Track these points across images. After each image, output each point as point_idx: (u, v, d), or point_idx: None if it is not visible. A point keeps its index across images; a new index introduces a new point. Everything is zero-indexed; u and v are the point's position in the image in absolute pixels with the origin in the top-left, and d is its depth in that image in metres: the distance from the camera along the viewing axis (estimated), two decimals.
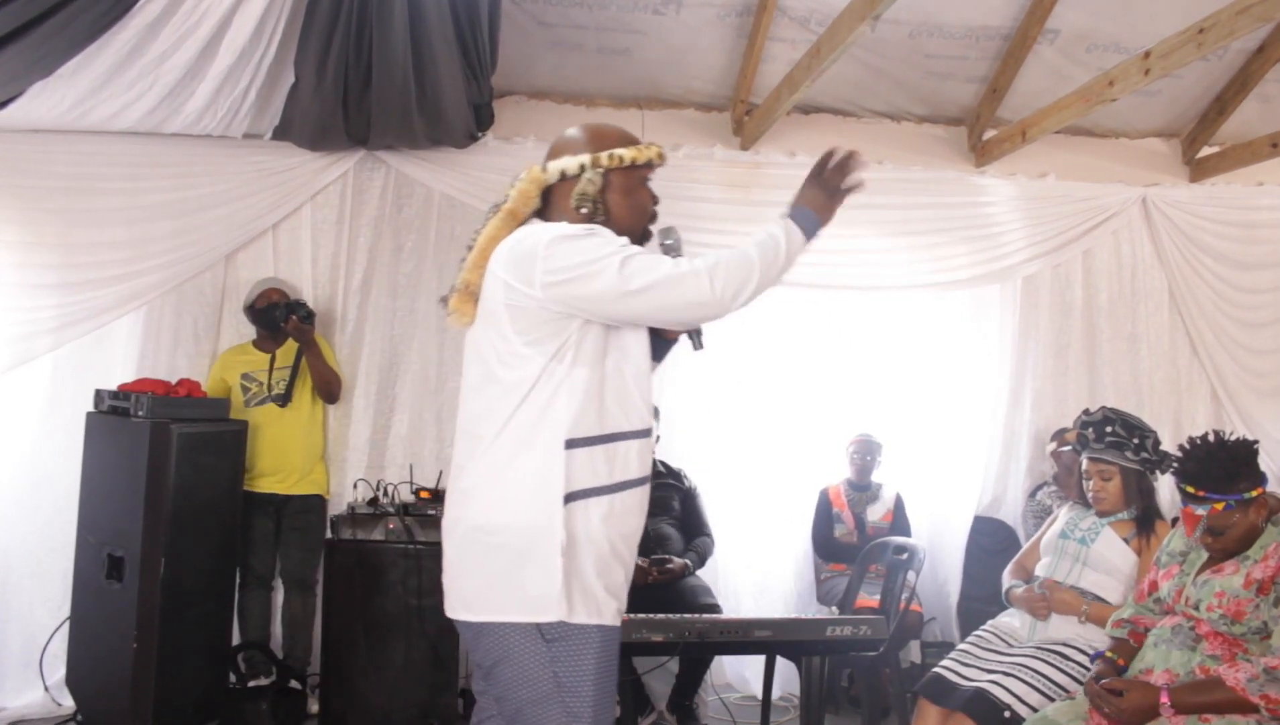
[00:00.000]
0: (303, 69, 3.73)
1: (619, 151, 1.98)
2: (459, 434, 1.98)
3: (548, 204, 2.02)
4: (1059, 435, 4.57)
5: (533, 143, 4.59)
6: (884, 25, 3.92)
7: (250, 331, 4.33)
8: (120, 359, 4.30)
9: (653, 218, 2.05)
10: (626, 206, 1.99)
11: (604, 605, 1.84)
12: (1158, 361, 5.00)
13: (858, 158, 2.01)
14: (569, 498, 1.82)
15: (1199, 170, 5.16)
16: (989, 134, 4.93)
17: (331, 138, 4.23)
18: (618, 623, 1.87)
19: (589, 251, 1.82)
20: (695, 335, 2.05)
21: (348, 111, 3.99)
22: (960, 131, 5.05)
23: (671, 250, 2.02)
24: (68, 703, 3.90)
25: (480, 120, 4.27)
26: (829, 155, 2.00)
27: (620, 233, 1.91)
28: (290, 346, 4.20)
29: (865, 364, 4.83)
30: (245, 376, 4.20)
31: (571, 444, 1.83)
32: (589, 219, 1.94)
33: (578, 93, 4.74)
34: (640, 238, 2.02)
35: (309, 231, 4.49)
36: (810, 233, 1.94)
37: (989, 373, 4.91)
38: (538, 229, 1.90)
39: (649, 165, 2.02)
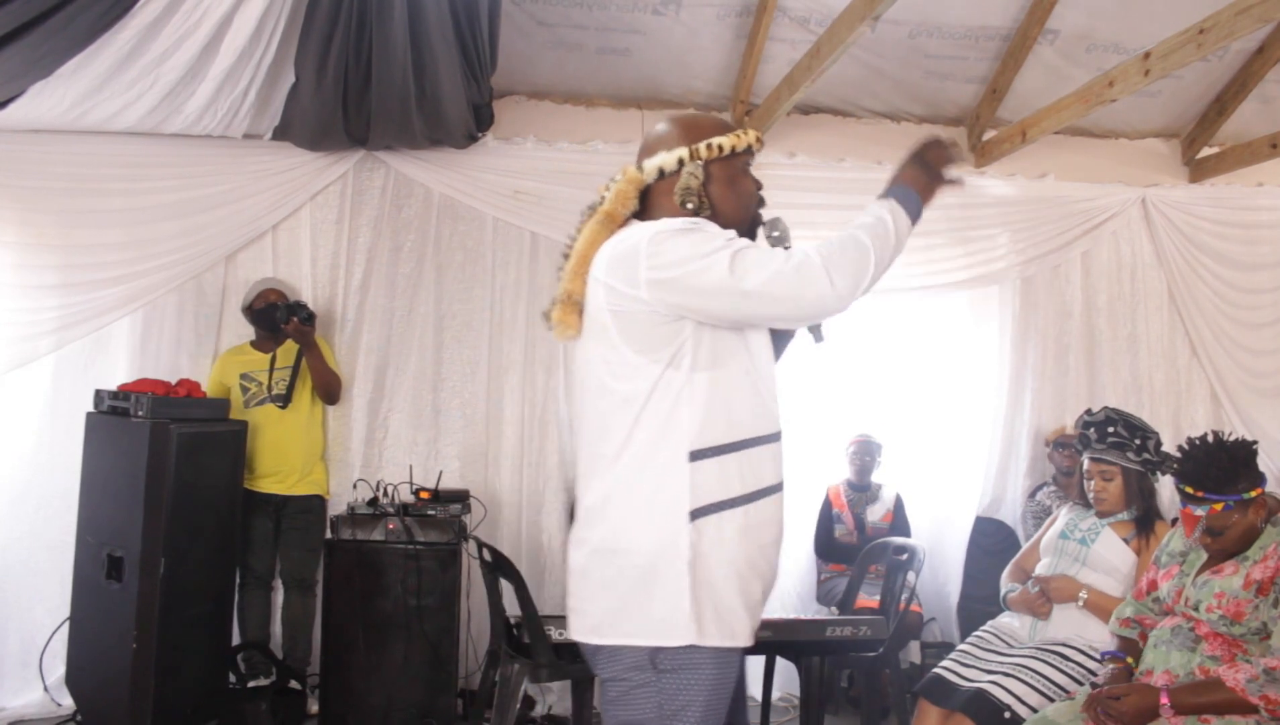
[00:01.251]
0: (303, 69, 3.73)
1: (717, 141, 1.85)
2: (580, 452, 1.88)
3: (647, 204, 1.88)
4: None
5: (532, 143, 4.60)
6: (884, 25, 3.92)
7: (249, 332, 4.33)
8: (121, 359, 4.30)
9: (759, 204, 1.95)
10: (732, 197, 1.87)
11: (739, 626, 1.72)
12: (1157, 362, 5.00)
13: (958, 149, 1.90)
14: (698, 513, 1.70)
15: (1199, 171, 5.16)
16: (989, 134, 4.93)
17: (331, 138, 4.23)
18: (750, 642, 1.75)
19: (695, 246, 1.70)
20: (815, 327, 1.93)
21: (347, 111, 3.99)
22: (960, 132, 5.05)
23: (779, 242, 1.93)
24: (67, 702, 3.90)
25: (480, 120, 4.28)
26: (931, 139, 1.89)
27: (727, 226, 1.81)
28: (289, 347, 4.20)
29: (865, 365, 4.83)
30: (244, 377, 4.20)
31: (697, 456, 1.71)
32: (695, 215, 1.81)
33: (577, 93, 4.74)
34: (749, 229, 1.92)
35: (309, 232, 4.49)
36: (914, 214, 1.82)
37: (989, 373, 4.91)
38: (638, 227, 1.79)
39: (748, 151, 1.89)
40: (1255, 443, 2.56)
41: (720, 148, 1.85)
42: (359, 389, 4.45)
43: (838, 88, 4.72)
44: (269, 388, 4.18)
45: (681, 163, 1.84)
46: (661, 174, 1.85)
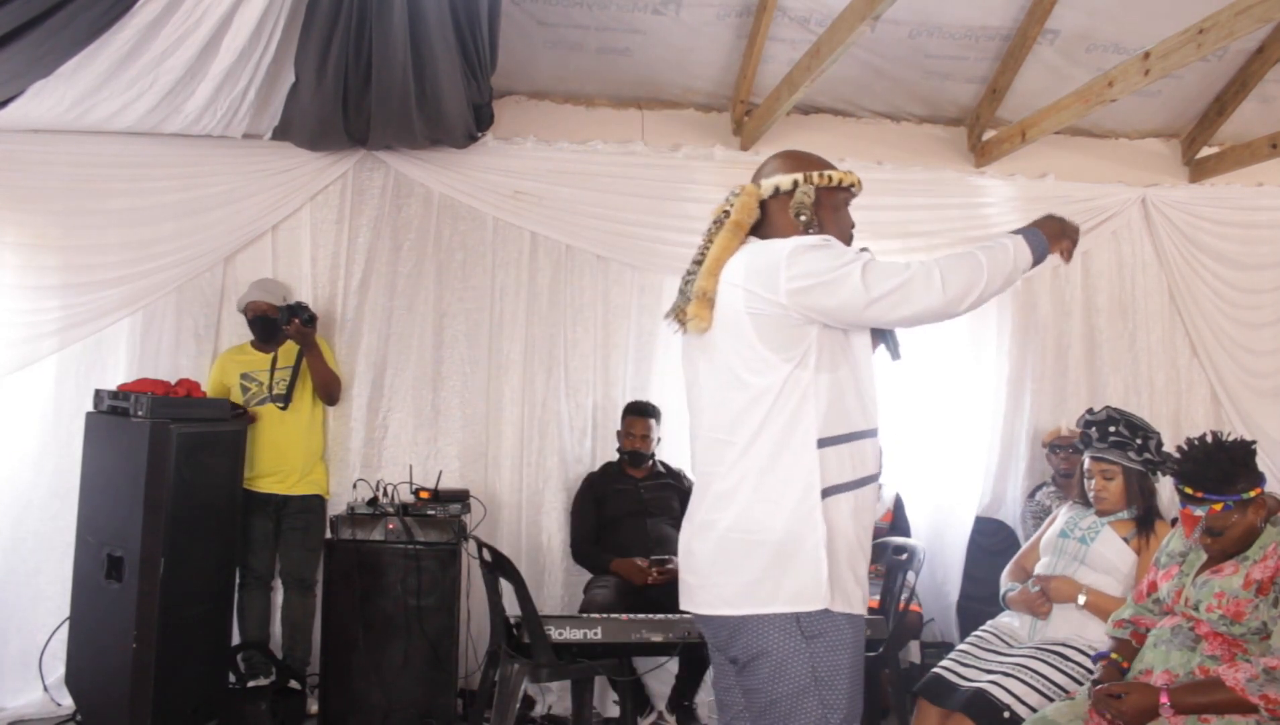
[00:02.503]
0: (303, 69, 3.73)
1: (828, 171, 2.12)
2: (702, 442, 2.09)
3: (763, 219, 2.13)
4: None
5: (532, 143, 4.59)
6: (884, 25, 3.92)
7: (248, 332, 4.32)
8: (121, 360, 4.30)
9: (850, 241, 2.17)
10: (834, 222, 2.12)
11: (853, 595, 1.95)
12: (1157, 362, 5.00)
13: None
14: (827, 492, 1.93)
15: (1198, 171, 5.16)
16: (989, 134, 4.93)
17: (331, 138, 4.23)
18: (865, 612, 1.99)
19: (830, 260, 1.94)
20: (894, 347, 2.19)
21: (347, 111, 3.99)
22: (960, 132, 5.05)
23: None
24: (67, 703, 3.90)
25: (480, 120, 4.27)
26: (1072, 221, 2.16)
27: None
28: (290, 347, 4.20)
29: None
30: (244, 376, 4.20)
31: (823, 443, 1.94)
32: (805, 228, 2.07)
33: (577, 93, 4.74)
34: None
35: (308, 232, 4.48)
36: (1038, 254, 2.04)
37: (989, 373, 4.91)
38: (774, 243, 2.01)
39: (850, 189, 2.16)
40: (1254, 443, 2.56)
41: (830, 178, 2.12)
42: (359, 389, 4.45)
43: (838, 88, 4.72)
44: (269, 388, 4.18)
45: (796, 184, 2.09)
46: (777, 191, 2.10)
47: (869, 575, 4.04)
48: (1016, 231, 2.06)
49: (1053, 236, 2.09)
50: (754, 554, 1.93)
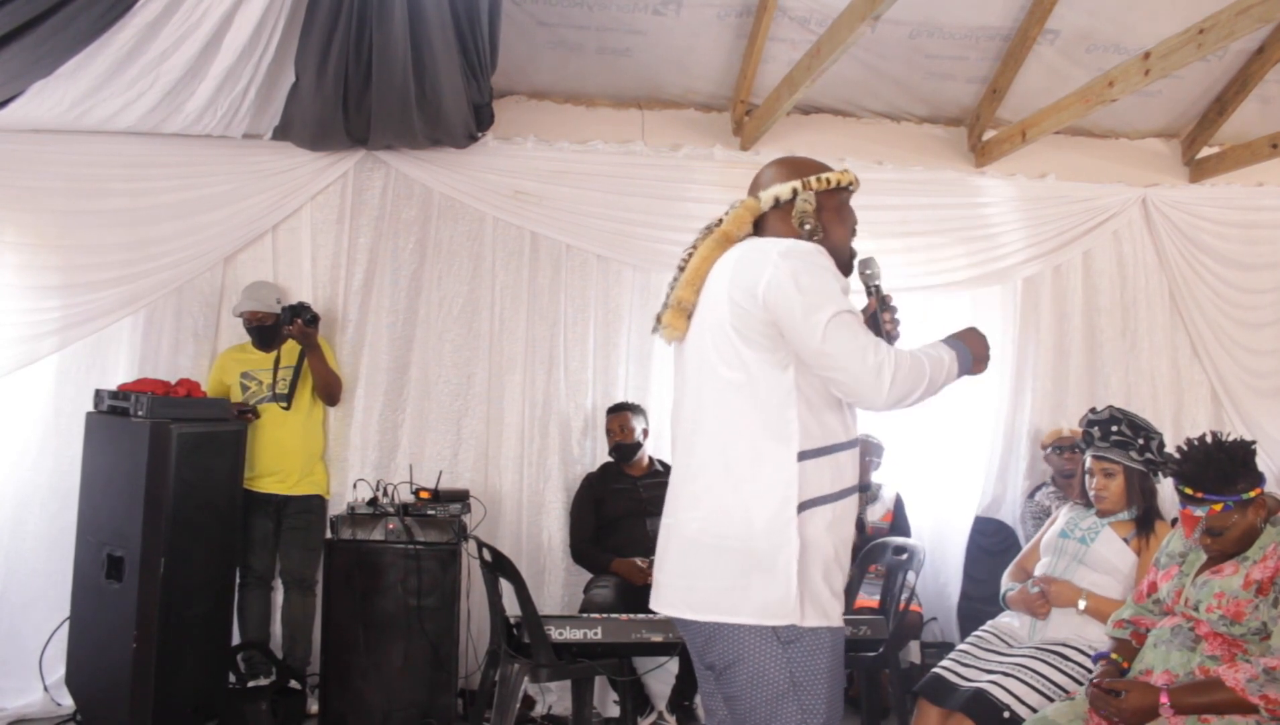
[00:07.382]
0: (303, 69, 3.73)
1: (826, 175, 2.09)
2: (680, 442, 2.08)
3: (760, 230, 2.10)
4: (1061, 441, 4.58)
5: (533, 143, 4.59)
6: (884, 25, 3.92)
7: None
8: (122, 359, 4.30)
9: (854, 235, 2.17)
10: (839, 224, 2.11)
11: (830, 608, 1.92)
12: (1158, 362, 4.99)
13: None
14: (803, 506, 1.89)
15: (1199, 171, 5.16)
16: (989, 134, 4.93)
17: (331, 138, 4.23)
18: (842, 623, 1.96)
19: (817, 279, 1.91)
20: None
21: (348, 111, 3.99)
22: (960, 132, 5.05)
23: (870, 280, 2.21)
24: (67, 703, 3.90)
25: (480, 120, 4.28)
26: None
27: (836, 249, 2.05)
28: (293, 346, 4.20)
29: None
30: (245, 376, 4.20)
31: (803, 456, 1.90)
32: (810, 236, 2.05)
33: (578, 93, 4.74)
34: (849, 257, 2.15)
35: (309, 232, 4.48)
36: (965, 369, 2.08)
37: (989, 373, 4.88)
38: (768, 240, 2.01)
39: (849, 188, 2.14)
40: (1254, 443, 2.56)
41: (829, 181, 2.08)
42: (360, 389, 4.45)
43: (838, 88, 4.72)
44: (271, 387, 4.18)
45: (795, 192, 2.05)
46: (776, 202, 2.07)
47: (869, 575, 4.12)
48: (951, 343, 2.08)
49: (978, 359, 2.13)
50: (724, 560, 1.89)
